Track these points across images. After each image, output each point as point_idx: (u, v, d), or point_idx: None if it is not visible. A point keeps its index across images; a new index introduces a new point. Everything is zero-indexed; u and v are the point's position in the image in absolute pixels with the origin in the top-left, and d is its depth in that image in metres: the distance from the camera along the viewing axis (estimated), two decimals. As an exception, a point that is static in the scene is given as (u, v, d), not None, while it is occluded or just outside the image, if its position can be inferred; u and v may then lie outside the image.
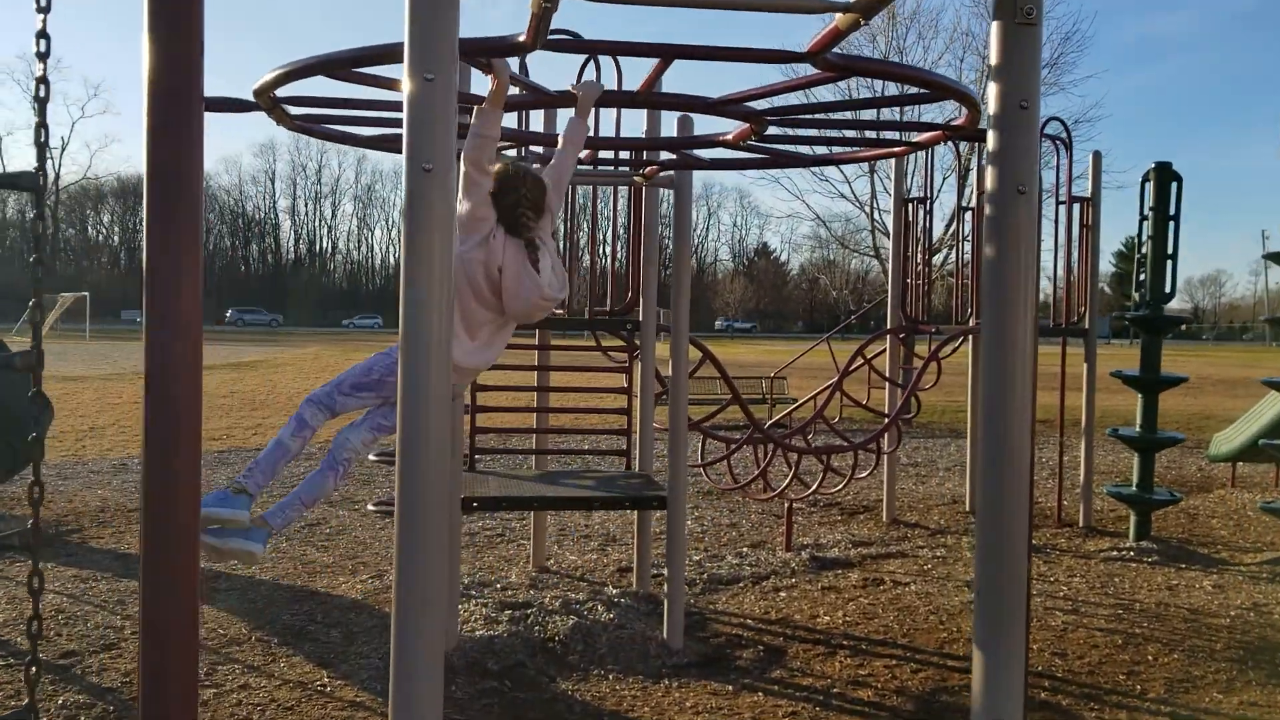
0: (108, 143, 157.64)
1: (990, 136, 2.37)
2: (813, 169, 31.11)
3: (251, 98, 3.66)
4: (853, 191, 31.98)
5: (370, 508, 6.98)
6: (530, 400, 7.47)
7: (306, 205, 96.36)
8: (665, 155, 5.38)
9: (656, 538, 6.78)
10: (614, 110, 5.71)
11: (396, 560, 2.53)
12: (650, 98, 3.56)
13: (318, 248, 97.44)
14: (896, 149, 4.36)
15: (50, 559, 7.15)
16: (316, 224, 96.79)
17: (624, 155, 5.81)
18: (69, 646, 5.28)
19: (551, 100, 3.74)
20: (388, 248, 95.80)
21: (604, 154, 5.56)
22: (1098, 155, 9.32)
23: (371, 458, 7.11)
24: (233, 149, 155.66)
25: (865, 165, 29.64)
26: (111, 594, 6.26)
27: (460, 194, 3.60)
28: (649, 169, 5.30)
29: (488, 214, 3.67)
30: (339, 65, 2.94)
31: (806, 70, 2.98)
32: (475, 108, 3.53)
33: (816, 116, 3.80)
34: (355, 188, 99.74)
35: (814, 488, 8.40)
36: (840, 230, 37.15)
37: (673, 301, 5.38)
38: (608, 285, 6.62)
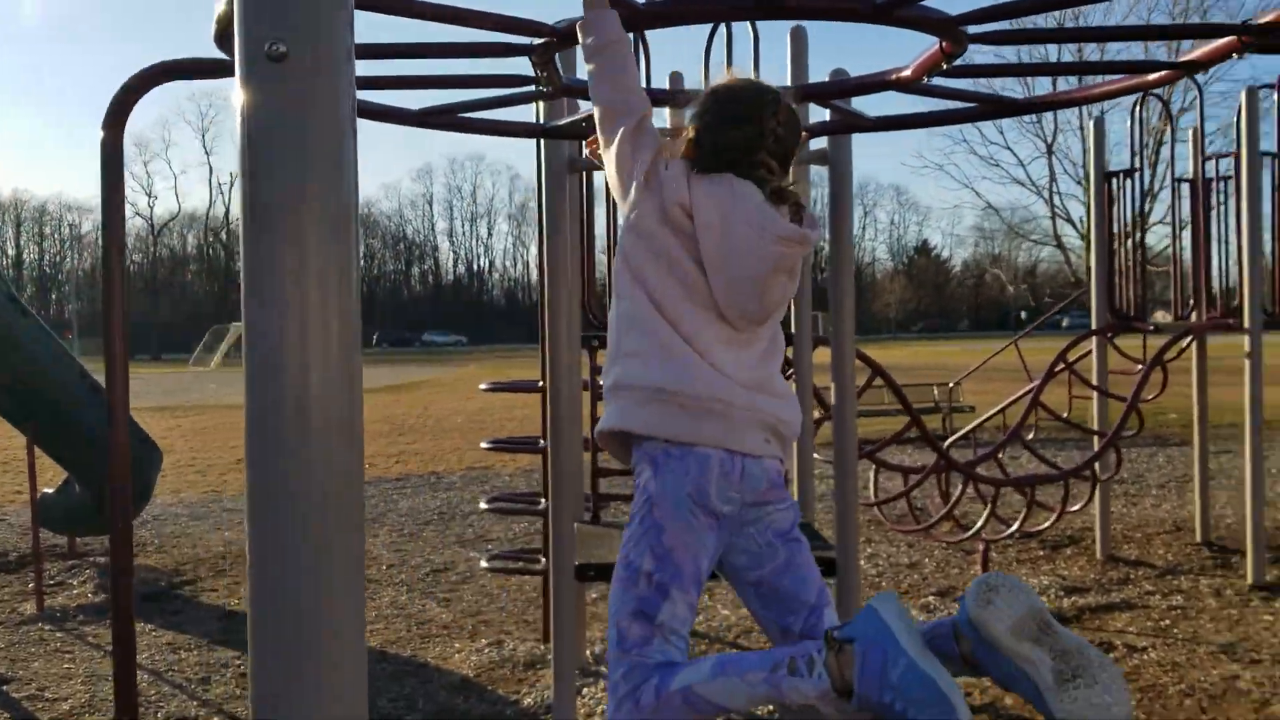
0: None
1: None
2: (980, 150, 28.76)
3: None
4: (1028, 175, 29.56)
5: (483, 565, 6.03)
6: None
7: (463, 226, 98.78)
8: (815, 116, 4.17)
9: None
10: (723, 36, 4.48)
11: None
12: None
13: (475, 267, 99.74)
14: (1156, 73, 2.99)
15: (150, 618, 6.48)
16: (473, 244, 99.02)
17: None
18: (125, 747, 4.47)
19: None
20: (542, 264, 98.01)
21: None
22: (1251, 92, 6.78)
23: (483, 505, 6.17)
24: (392, 176, 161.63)
25: (1042, 143, 27.14)
26: (199, 668, 5.49)
27: (601, 135, 2.42)
28: (796, 137, 4.11)
29: (647, 142, 2.31)
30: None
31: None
32: (579, 21, 2.40)
33: (1033, 27, 2.51)
34: (509, 206, 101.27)
35: (1015, 527, 6.99)
36: (1012, 218, 34.41)
37: (832, 305, 4.17)
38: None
